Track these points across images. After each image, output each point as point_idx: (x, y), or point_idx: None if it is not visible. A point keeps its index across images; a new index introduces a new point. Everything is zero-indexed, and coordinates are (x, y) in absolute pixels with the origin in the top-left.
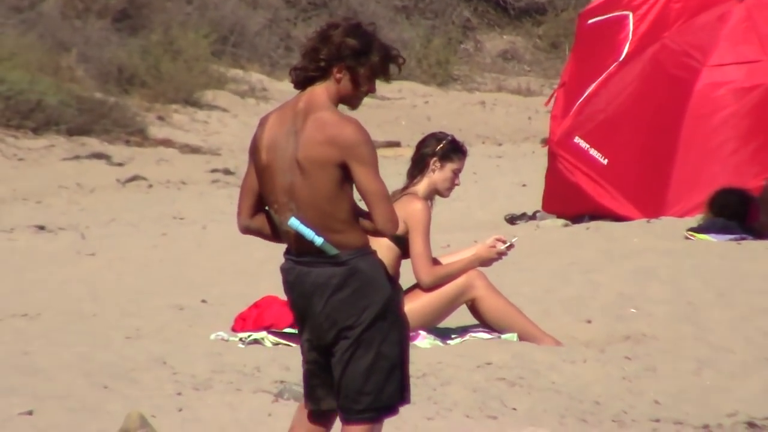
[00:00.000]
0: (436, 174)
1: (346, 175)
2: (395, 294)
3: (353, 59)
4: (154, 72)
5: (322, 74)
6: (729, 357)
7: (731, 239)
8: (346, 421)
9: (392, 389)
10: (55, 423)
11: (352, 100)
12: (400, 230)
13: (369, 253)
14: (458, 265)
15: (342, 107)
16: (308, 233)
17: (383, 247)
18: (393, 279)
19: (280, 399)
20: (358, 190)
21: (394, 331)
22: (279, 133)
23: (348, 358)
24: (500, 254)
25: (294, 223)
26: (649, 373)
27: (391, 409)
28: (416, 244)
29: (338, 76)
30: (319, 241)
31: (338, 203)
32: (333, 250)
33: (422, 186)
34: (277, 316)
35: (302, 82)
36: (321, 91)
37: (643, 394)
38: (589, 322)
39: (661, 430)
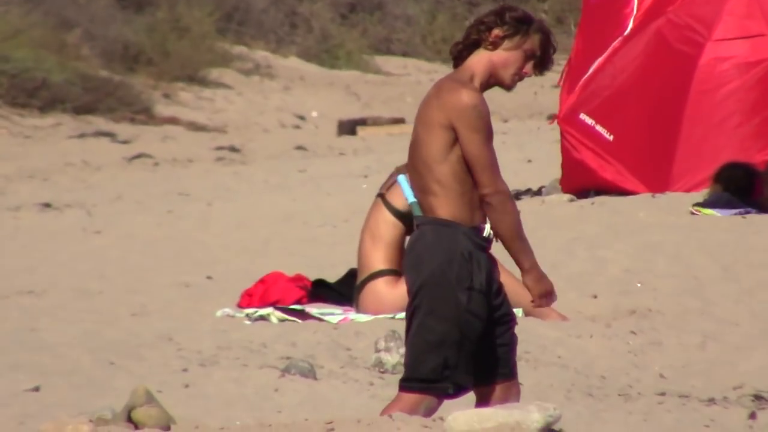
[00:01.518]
0: None
1: (453, 140)
2: (455, 271)
3: (514, 26)
4: (160, 50)
5: (478, 41)
6: (734, 330)
7: (736, 213)
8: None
9: (433, 365)
10: (62, 399)
11: (505, 76)
12: (404, 207)
13: (448, 225)
14: None
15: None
16: (406, 189)
17: (389, 224)
18: (471, 258)
19: (287, 374)
20: (464, 155)
21: (448, 307)
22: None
23: (408, 324)
24: None
25: (400, 178)
26: (654, 347)
27: (431, 384)
28: None
29: (497, 34)
30: (410, 198)
31: (439, 166)
32: (417, 211)
33: None
34: (283, 292)
35: (457, 56)
36: (470, 62)
37: (649, 368)
38: (595, 296)
39: (667, 403)
